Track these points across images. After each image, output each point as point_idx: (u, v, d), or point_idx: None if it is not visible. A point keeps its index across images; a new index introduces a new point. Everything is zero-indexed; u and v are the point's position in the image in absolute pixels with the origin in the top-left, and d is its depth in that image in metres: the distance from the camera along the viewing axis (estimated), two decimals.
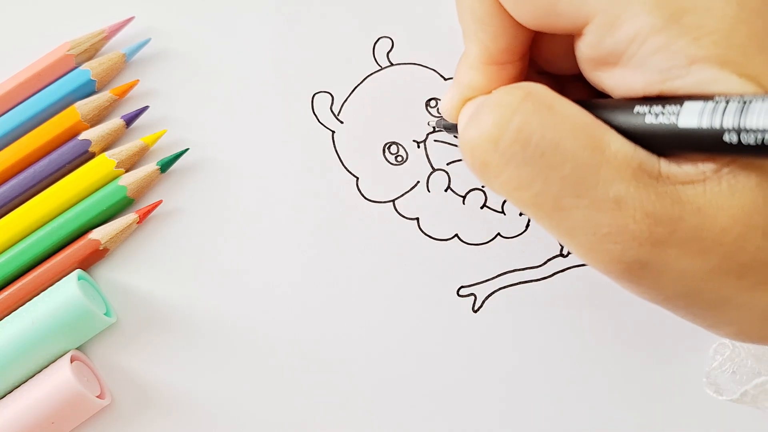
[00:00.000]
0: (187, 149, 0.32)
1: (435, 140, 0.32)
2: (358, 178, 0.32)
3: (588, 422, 0.29)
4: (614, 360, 0.30)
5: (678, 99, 0.18)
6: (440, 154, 0.32)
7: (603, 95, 0.22)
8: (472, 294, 0.30)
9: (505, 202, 0.31)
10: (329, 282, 0.31)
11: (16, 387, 0.29)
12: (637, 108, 0.19)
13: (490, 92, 0.22)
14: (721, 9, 0.18)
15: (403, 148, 0.32)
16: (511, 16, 0.21)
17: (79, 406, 0.28)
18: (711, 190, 0.18)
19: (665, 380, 0.30)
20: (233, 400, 0.30)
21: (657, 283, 0.19)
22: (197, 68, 0.33)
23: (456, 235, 0.31)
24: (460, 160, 0.31)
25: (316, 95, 0.32)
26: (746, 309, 0.19)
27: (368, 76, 0.32)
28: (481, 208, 0.31)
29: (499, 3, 0.21)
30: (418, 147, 0.32)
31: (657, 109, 0.19)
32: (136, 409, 0.30)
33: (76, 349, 0.30)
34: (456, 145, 0.32)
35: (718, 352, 0.29)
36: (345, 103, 0.32)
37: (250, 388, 0.30)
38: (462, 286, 0.31)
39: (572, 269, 0.31)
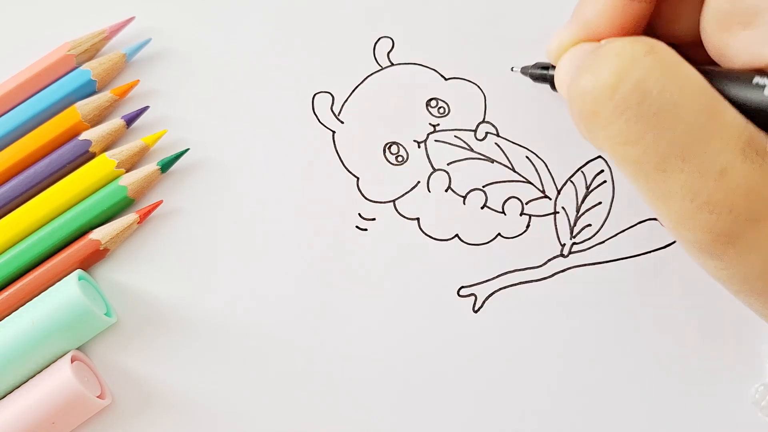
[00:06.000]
0: (187, 149, 0.32)
1: (435, 140, 0.32)
2: (358, 178, 0.32)
3: (588, 422, 0.29)
4: (614, 360, 0.30)
5: None
6: (441, 154, 0.32)
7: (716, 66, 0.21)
8: (472, 294, 0.30)
9: (505, 202, 0.31)
10: (329, 282, 0.31)
11: (17, 387, 0.29)
12: (757, 79, 0.19)
13: (605, 37, 0.22)
14: None
15: (404, 148, 0.32)
16: None
17: (79, 406, 0.28)
18: None
19: (665, 380, 0.30)
20: (233, 399, 0.30)
21: (740, 260, 0.19)
22: (197, 68, 0.33)
23: (456, 235, 0.31)
24: (460, 160, 0.31)
25: (317, 95, 0.32)
26: None
27: (368, 76, 0.32)
28: (482, 208, 0.31)
29: None
30: (419, 147, 0.32)
31: None
32: (136, 409, 0.30)
33: (77, 349, 0.30)
34: (457, 146, 0.32)
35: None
36: (345, 103, 0.32)
37: (250, 388, 0.30)
38: (462, 286, 0.31)
39: (572, 269, 0.30)
